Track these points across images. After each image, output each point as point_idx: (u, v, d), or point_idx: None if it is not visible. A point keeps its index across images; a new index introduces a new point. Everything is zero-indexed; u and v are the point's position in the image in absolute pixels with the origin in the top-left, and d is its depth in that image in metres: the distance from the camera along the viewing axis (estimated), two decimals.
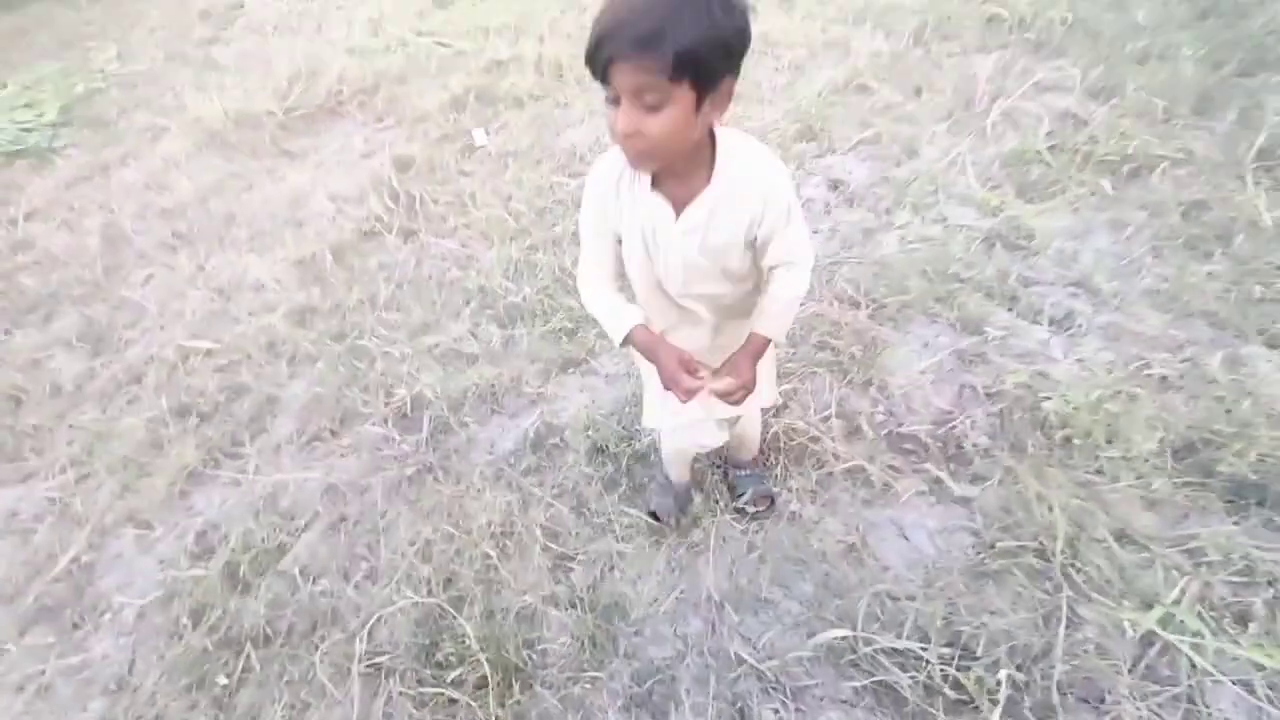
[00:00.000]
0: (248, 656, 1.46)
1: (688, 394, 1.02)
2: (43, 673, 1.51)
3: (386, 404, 1.99)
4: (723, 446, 1.46)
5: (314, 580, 1.59)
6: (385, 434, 1.90)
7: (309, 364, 2.20)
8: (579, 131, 3.15)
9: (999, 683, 1.17)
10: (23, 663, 1.54)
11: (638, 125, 0.77)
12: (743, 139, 0.94)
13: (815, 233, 2.28)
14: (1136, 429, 1.48)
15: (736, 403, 1.08)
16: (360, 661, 1.41)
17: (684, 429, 1.29)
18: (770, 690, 1.27)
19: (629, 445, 1.72)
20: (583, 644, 1.37)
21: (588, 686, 1.31)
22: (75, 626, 1.62)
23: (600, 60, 0.75)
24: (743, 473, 1.56)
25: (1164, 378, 1.61)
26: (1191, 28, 2.86)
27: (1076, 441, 1.51)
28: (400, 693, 1.35)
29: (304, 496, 1.79)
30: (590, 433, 1.76)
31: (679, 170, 0.91)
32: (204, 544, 1.72)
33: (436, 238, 2.67)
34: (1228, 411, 1.50)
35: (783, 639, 1.33)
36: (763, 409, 1.45)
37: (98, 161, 3.97)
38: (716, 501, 1.58)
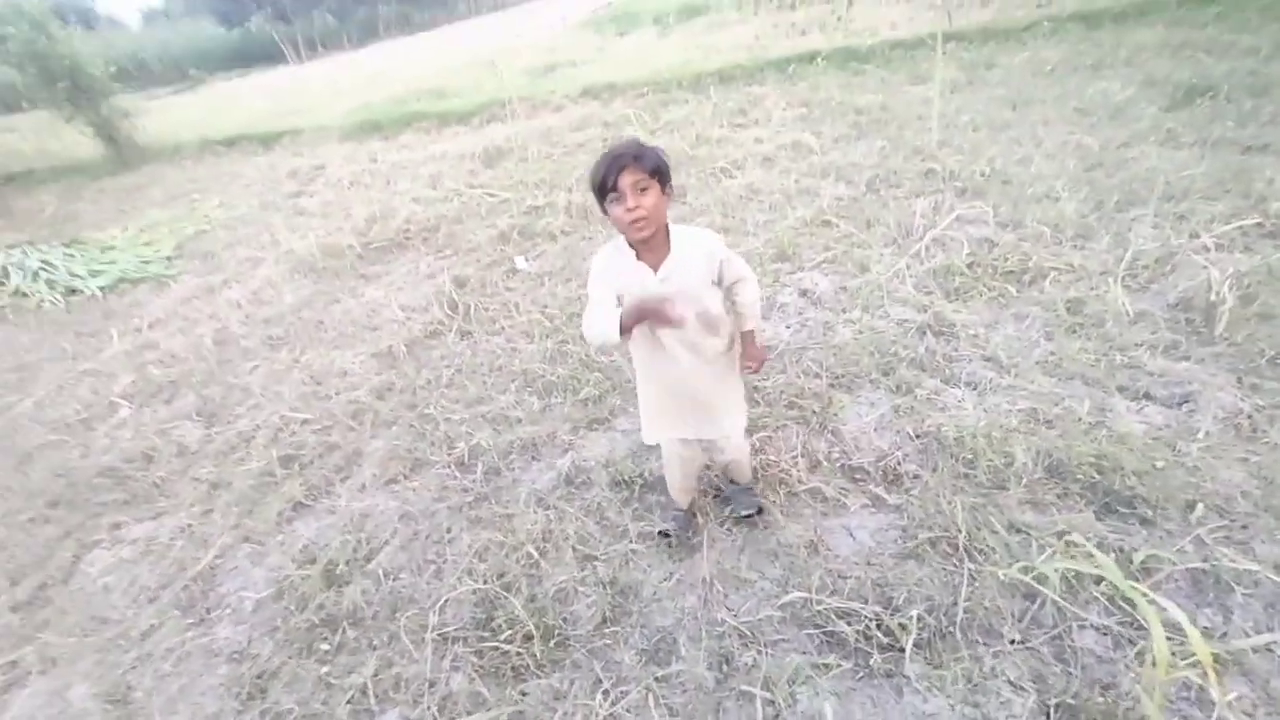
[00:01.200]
0: (344, 630, 1.89)
1: (676, 317, 1.30)
2: (182, 644, 1.93)
3: (449, 454, 2.52)
4: (724, 471, 1.98)
5: (395, 578, 2.04)
6: (448, 475, 2.42)
7: (386, 427, 2.76)
8: None
9: (914, 622, 1.58)
10: (167, 638, 1.96)
11: (639, 202, 1.36)
12: (684, 226, 1.52)
13: (787, 328, 2.90)
14: (1021, 452, 1.97)
15: (755, 370, 1.68)
16: (432, 631, 1.82)
17: (675, 445, 1.78)
18: (748, 643, 1.67)
19: (640, 477, 2.22)
20: (604, 614, 1.79)
21: (608, 641, 1.72)
22: (203, 619, 2.05)
23: (613, 171, 1.33)
24: (739, 489, 2.03)
25: (1047, 420, 2.12)
26: (1079, 177, 3.66)
27: (977, 463, 1.99)
28: (463, 651, 1.76)
29: (384, 520, 2.27)
30: (610, 469, 2.27)
31: (653, 246, 1.46)
32: (307, 554, 2.19)
33: (487, 335, 3.34)
34: (1091, 440, 1.98)
35: (757, 606, 1.74)
36: (746, 435, 1.94)
37: (206, 284, 4.85)
38: (709, 514, 2.04)
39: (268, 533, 2.31)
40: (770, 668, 1.58)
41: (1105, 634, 1.53)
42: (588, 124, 7.14)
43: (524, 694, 1.62)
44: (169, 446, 2.91)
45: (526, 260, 4.15)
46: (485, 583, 1.93)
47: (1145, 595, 1.33)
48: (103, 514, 2.62)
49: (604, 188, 1.37)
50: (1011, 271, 2.95)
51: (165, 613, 2.08)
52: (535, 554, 2.00)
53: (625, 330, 1.39)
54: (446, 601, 1.91)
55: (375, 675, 1.74)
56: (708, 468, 2.11)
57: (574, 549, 2.01)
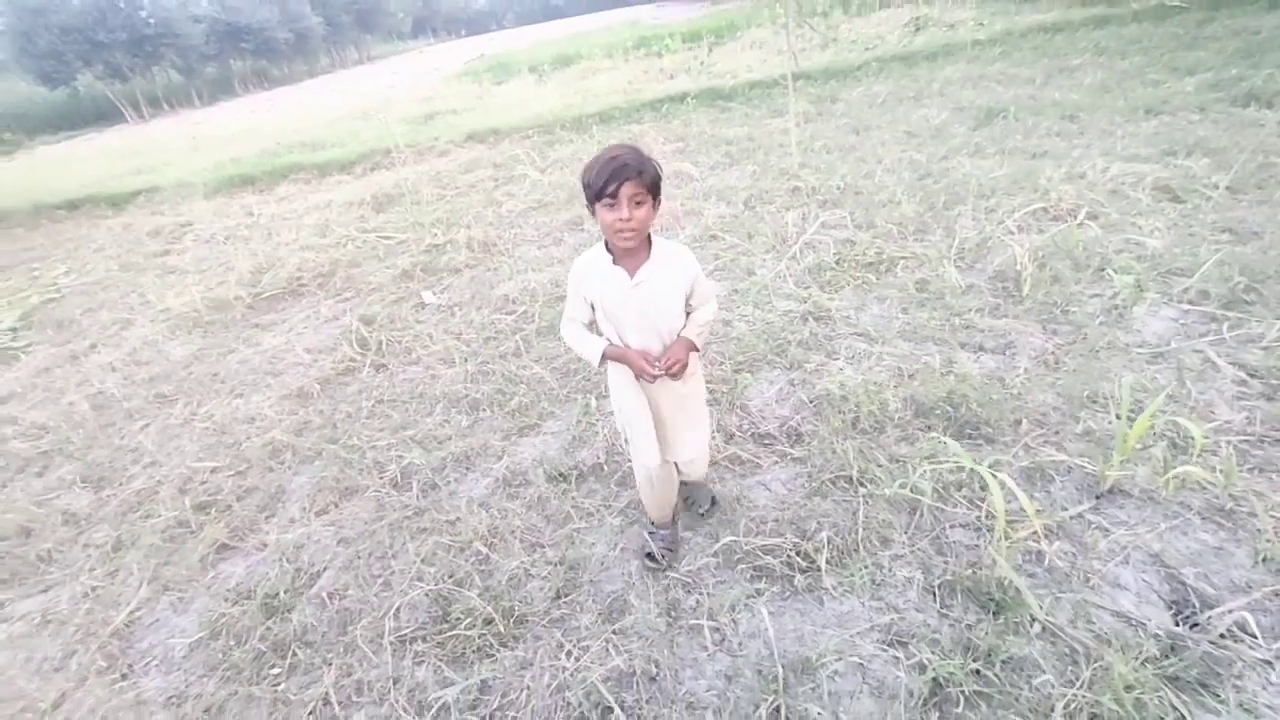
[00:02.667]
0: (294, 653, 1.86)
1: (653, 375, 1.50)
2: (107, 701, 1.81)
3: (381, 478, 2.54)
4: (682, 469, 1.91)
5: (341, 597, 2.03)
6: (383, 495, 2.44)
7: (309, 462, 2.72)
8: (509, 285, 4.08)
9: (825, 544, 1.85)
10: (85, 701, 1.83)
11: (632, 214, 1.38)
12: (666, 240, 1.56)
13: None
14: (893, 401, 2.35)
15: (675, 375, 1.55)
16: (389, 635, 1.86)
17: (654, 470, 1.77)
18: (691, 589, 1.86)
19: (575, 470, 2.38)
20: (558, 589, 1.91)
21: (565, 611, 1.85)
22: (125, 674, 1.93)
23: (615, 182, 1.35)
24: (695, 486, 2.10)
25: (910, 374, 2.53)
26: (914, 185, 4.35)
27: (860, 414, 2.35)
28: (424, 648, 1.81)
29: (321, 547, 2.25)
30: (545, 466, 2.41)
31: (633, 253, 1.49)
32: (240, 592, 2.12)
33: (404, 365, 3.37)
34: (943, 385, 2.41)
35: (696, 557, 1.95)
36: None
37: (66, 353, 4.44)
38: None
39: (190, 579, 2.21)
40: (713, 604, 1.78)
41: (968, 527, 1.89)
42: (477, 166, 7.31)
43: (493, 667, 1.70)
44: (52, 517, 2.66)
45: (434, 294, 4.21)
46: (437, 584, 1.99)
47: (992, 473, 1.69)
48: None
49: (600, 192, 1.38)
50: (870, 263, 3.45)
51: (80, 677, 1.92)
52: (484, 550, 2.09)
53: (604, 360, 1.57)
54: (399, 607, 1.94)
55: (336, 683, 1.74)
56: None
57: (521, 539, 2.12)
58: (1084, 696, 1.39)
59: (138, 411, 3.42)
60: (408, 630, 1.87)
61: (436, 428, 2.79)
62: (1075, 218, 3.38)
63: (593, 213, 1.45)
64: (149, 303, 5.04)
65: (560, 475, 2.36)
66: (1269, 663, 1.42)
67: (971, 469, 1.90)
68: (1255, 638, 1.46)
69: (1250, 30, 6.64)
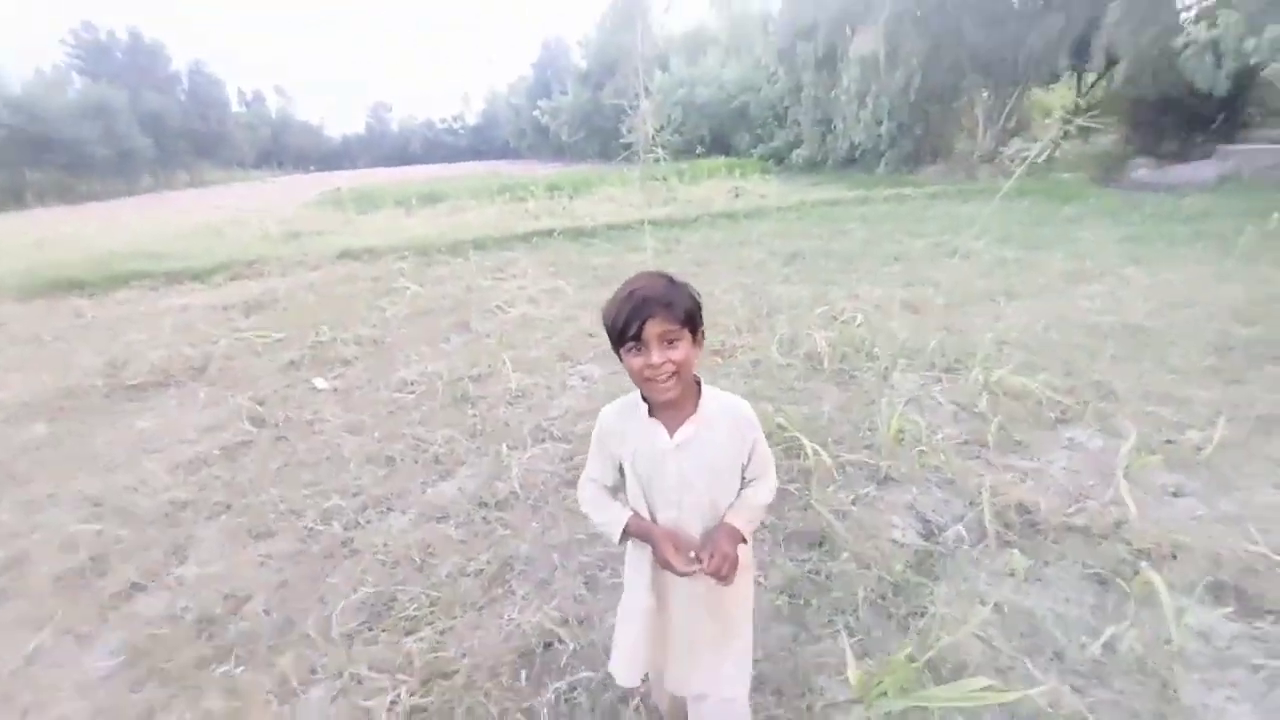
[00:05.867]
0: (236, 657, 1.97)
1: (683, 571, 1.15)
2: None
3: (299, 522, 2.69)
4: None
5: (278, 610, 2.17)
6: (305, 532, 2.60)
7: (216, 516, 2.78)
8: (406, 371, 4.43)
9: None
10: None
11: (667, 356, 1.09)
12: (719, 390, 1.25)
13: (577, 401, 3.82)
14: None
15: (724, 578, 1.16)
16: (336, 629, 2.05)
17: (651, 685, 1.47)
18: (606, 566, 2.33)
19: (495, 498, 2.77)
20: (492, 578, 2.27)
21: (501, 591, 2.20)
22: (25, 714, 1.86)
23: (636, 320, 1.08)
24: None
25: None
26: (745, 300, 5.59)
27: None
28: (374, 631, 2.04)
29: (246, 575, 2.36)
30: (469, 497, 2.77)
31: (675, 403, 1.17)
32: (165, 617, 2.15)
33: (306, 437, 3.52)
34: (776, 421, 3.24)
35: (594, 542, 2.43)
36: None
37: None
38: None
39: (98, 617, 2.17)
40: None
41: (794, 483, 2.62)
42: (355, 279, 7.63)
43: (445, 629, 2.00)
44: None
45: (326, 380, 4.40)
46: (376, 587, 2.24)
47: (815, 448, 2.46)
48: None
49: (623, 335, 1.12)
50: (717, 350, 4.42)
51: None
52: (419, 558, 2.38)
53: (626, 537, 1.25)
54: (343, 609, 2.15)
55: (293, 666, 1.89)
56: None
57: (456, 544, 2.44)
58: (875, 582, 2.10)
59: None
60: (354, 624, 2.08)
61: (351, 481, 3.01)
62: (854, 320, 4.69)
63: (621, 360, 1.16)
64: None
65: (482, 503, 2.74)
66: (975, 558, 2.25)
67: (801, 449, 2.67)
68: (964, 543, 2.30)
69: (954, 214, 9.53)
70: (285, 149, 76.00)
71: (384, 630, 2.05)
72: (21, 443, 3.64)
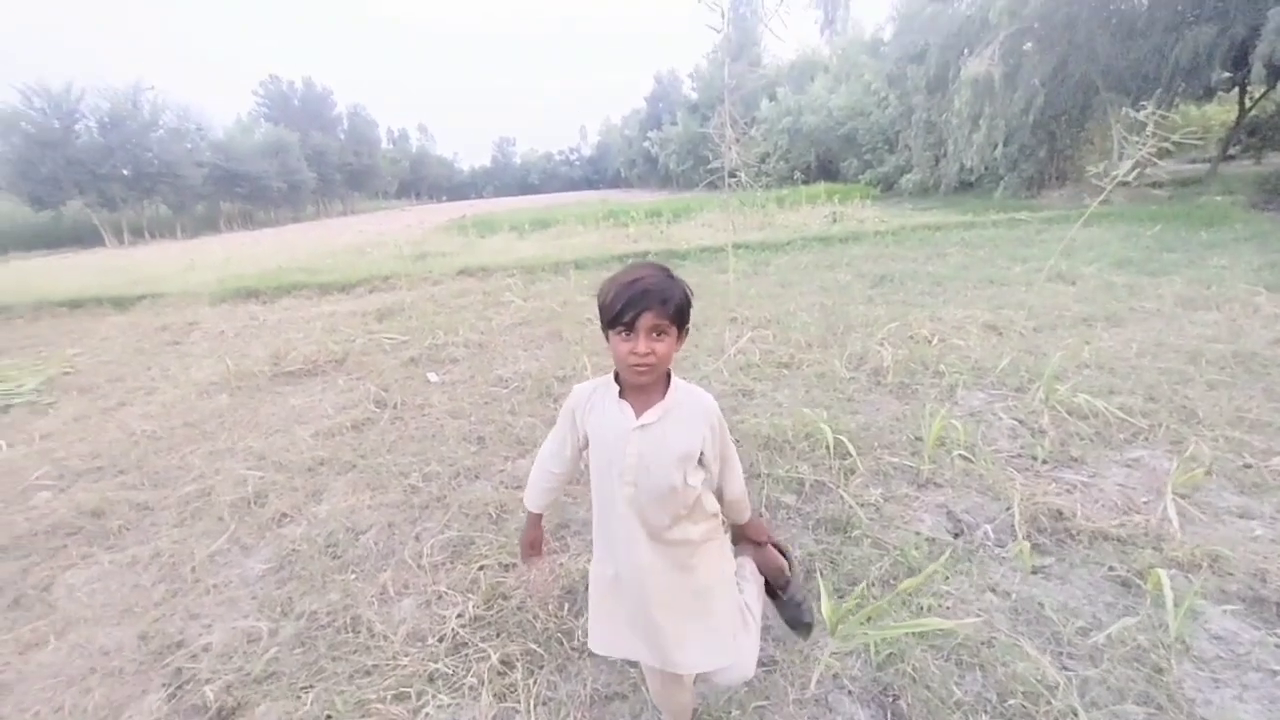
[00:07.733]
0: (353, 570, 2.50)
1: (527, 565, 1.54)
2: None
3: (405, 481, 3.25)
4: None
5: (386, 541, 2.70)
6: (410, 489, 3.15)
7: (344, 473, 3.41)
8: (502, 369, 5.03)
9: None
10: (178, 607, 2.39)
11: (651, 348, 1.19)
12: (689, 383, 1.34)
13: None
14: (790, 431, 3.33)
15: (782, 573, 1.50)
16: (427, 557, 2.53)
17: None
18: None
19: None
20: (549, 535, 2.66)
21: (556, 545, 2.59)
22: (208, 592, 2.49)
23: (632, 310, 1.16)
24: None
25: (805, 423, 3.54)
26: (820, 319, 5.72)
27: (784, 446, 3.30)
28: (455, 563, 2.50)
29: (364, 516, 2.92)
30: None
31: (646, 389, 1.27)
32: (304, 539, 2.75)
33: (416, 418, 4.16)
34: (837, 430, 3.41)
35: None
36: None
37: (96, 407, 5.02)
38: None
39: (258, 534, 2.82)
40: None
41: (825, 480, 2.79)
42: (469, 293, 8.56)
43: (515, 560, 2.41)
44: (120, 504, 3.21)
45: (437, 375, 5.10)
46: (460, 531, 2.71)
47: (839, 436, 2.65)
48: (60, 553, 2.84)
49: (616, 319, 1.19)
50: (784, 363, 4.62)
51: (170, 593, 2.48)
52: (495, 514, 2.83)
53: (533, 513, 1.53)
54: (432, 545, 2.63)
55: (393, 578, 2.39)
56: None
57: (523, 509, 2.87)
58: (889, 564, 2.26)
59: (179, 444, 4.03)
60: (440, 558, 2.56)
61: (449, 454, 3.56)
62: (928, 339, 4.70)
63: (607, 338, 1.24)
64: (170, 375, 5.71)
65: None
66: (997, 555, 2.33)
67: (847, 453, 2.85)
68: (989, 541, 2.38)
69: (1070, 239, 8.95)
70: (422, 180, 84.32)
71: (462, 564, 2.50)
72: (210, 410, 4.60)
